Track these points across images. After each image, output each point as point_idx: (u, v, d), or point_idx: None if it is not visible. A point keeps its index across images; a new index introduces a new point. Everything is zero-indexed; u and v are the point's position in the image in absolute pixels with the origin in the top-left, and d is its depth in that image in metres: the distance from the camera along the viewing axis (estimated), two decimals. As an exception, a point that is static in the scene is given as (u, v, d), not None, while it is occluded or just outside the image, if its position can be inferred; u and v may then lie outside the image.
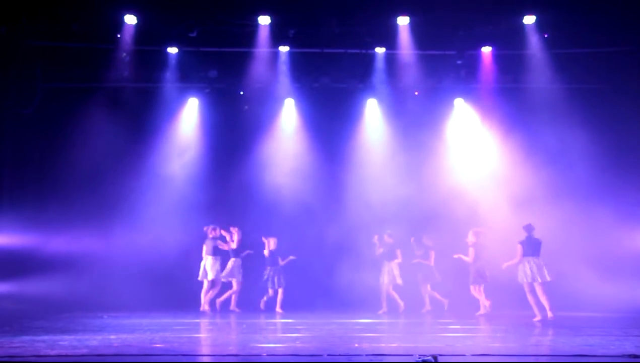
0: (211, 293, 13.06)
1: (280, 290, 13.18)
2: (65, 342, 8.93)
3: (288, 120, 15.08)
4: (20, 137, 13.78)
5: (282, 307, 13.15)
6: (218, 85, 14.52)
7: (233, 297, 13.24)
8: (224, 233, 13.15)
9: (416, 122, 14.24)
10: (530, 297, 11.67)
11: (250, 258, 13.38)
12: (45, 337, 9.36)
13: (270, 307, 13.31)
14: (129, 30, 13.20)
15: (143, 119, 14.40)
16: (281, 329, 10.71)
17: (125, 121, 14.19)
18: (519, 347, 8.81)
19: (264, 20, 13.19)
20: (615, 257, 13.21)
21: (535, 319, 11.56)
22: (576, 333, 10.01)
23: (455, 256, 12.77)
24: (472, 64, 14.12)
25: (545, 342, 9.10)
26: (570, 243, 13.33)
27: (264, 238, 13.40)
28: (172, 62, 14.05)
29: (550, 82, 13.87)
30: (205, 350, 8.57)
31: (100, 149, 14.01)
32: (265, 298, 13.31)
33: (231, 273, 13.10)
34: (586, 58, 13.69)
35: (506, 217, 13.42)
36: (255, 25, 13.32)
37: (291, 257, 13.24)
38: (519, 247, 11.66)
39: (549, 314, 11.47)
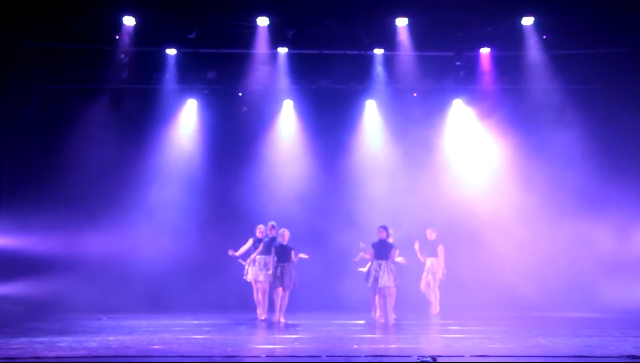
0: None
1: (286, 293, 11.60)
2: (64, 344, 8.93)
3: (287, 122, 15.07)
4: (19, 138, 13.76)
5: (285, 313, 11.73)
6: (217, 87, 14.51)
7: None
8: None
9: (415, 123, 14.23)
10: (433, 294, 12.53)
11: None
12: (44, 339, 9.36)
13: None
14: (128, 32, 13.18)
15: (142, 120, 14.40)
16: (280, 330, 10.70)
17: (124, 122, 14.21)
18: (518, 347, 8.80)
19: (263, 21, 13.18)
20: (615, 257, 13.22)
21: (435, 312, 12.50)
22: (575, 334, 10.01)
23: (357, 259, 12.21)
24: (471, 65, 14.12)
25: (544, 343, 9.09)
26: (569, 244, 13.34)
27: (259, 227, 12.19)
28: (171, 63, 14.03)
29: (549, 83, 13.88)
30: (203, 351, 8.55)
31: (99, 151, 14.00)
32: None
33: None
34: (584, 59, 13.70)
35: (505, 219, 13.43)
36: (253, 27, 13.31)
37: (302, 255, 11.71)
38: (442, 248, 12.45)
39: (438, 309, 12.55)
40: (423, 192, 14.03)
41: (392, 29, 13.36)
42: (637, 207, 13.40)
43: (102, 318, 11.99)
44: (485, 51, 13.97)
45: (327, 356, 7.93)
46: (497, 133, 14.42)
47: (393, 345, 8.97)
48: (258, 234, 12.11)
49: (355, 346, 8.81)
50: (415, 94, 14.55)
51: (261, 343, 9.20)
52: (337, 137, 14.77)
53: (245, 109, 14.74)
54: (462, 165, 14.66)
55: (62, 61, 13.74)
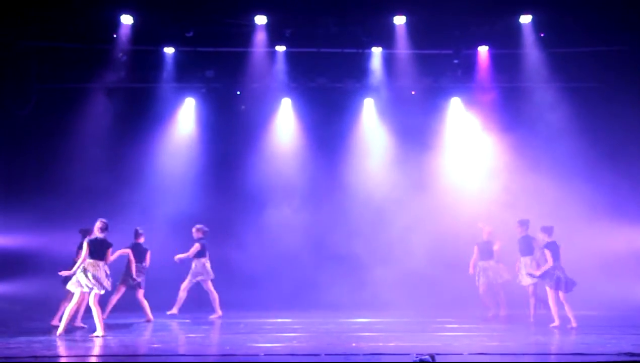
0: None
1: None
2: (63, 343, 8.93)
3: (285, 120, 15.07)
4: (16, 137, 13.74)
5: None
6: (215, 85, 14.49)
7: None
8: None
9: (413, 121, 14.23)
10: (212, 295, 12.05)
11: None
12: (42, 338, 9.35)
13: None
14: (125, 31, 13.17)
15: (139, 119, 14.37)
16: (279, 329, 10.70)
17: (121, 121, 14.18)
18: (517, 345, 8.82)
19: (261, 20, 13.18)
20: (612, 255, 13.23)
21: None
22: (573, 331, 10.03)
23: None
24: (469, 63, 14.13)
25: (543, 341, 9.11)
26: (566, 241, 13.34)
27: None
28: (169, 62, 14.02)
29: (546, 81, 13.90)
30: (202, 350, 8.55)
31: (96, 149, 13.98)
32: None
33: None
34: (582, 57, 13.72)
35: (503, 218, 13.41)
36: (251, 25, 13.31)
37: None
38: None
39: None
40: (421, 190, 14.02)
41: (390, 27, 13.36)
42: (634, 204, 13.41)
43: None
44: (483, 49, 13.98)
45: (325, 354, 7.94)
46: (494, 130, 14.42)
47: (391, 343, 8.97)
48: None
49: (354, 344, 8.82)
50: (413, 92, 14.55)
51: (260, 341, 9.19)
52: (335, 135, 14.76)
53: (243, 107, 14.73)
54: (461, 163, 14.66)
55: (60, 60, 13.72)
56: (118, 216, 13.90)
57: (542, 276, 10.75)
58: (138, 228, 12.01)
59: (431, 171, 14.32)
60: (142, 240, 11.97)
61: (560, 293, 10.54)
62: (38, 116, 13.96)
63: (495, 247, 12.28)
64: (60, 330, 9.70)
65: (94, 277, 9.70)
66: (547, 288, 10.71)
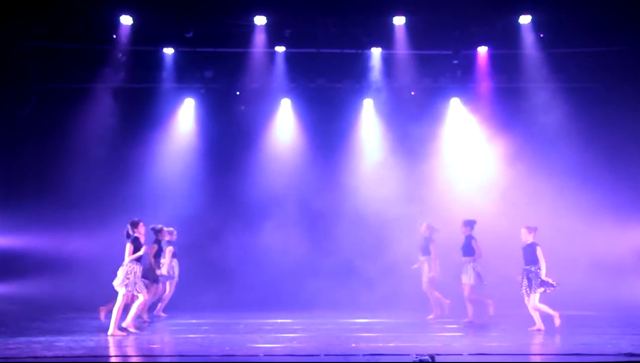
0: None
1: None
2: (62, 343, 8.93)
3: (284, 121, 15.08)
4: (16, 138, 13.75)
5: None
6: (214, 86, 14.51)
7: None
8: None
9: (412, 121, 14.25)
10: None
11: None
12: (42, 338, 9.36)
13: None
14: (125, 31, 13.19)
15: (139, 119, 14.38)
16: (278, 329, 10.71)
17: (121, 122, 14.19)
18: (515, 346, 8.83)
19: (260, 20, 13.19)
20: (610, 255, 13.23)
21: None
22: (572, 332, 10.03)
23: None
24: (468, 64, 14.15)
25: (542, 341, 9.12)
26: (565, 241, 13.36)
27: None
28: (168, 62, 14.04)
29: (545, 81, 13.92)
30: (202, 350, 8.56)
31: (96, 150, 13.99)
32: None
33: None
34: (581, 57, 13.75)
35: (501, 217, 13.43)
36: (251, 26, 13.33)
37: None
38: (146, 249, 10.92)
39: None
40: (420, 191, 14.03)
41: (390, 28, 13.38)
42: (633, 203, 13.43)
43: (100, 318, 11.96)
44: (482, 50, 14.00)
45: (325, 355, 7.95)
46: (494, 131, 14.43)
47: (391, 343, 8.98)
48: None
49: (353, 345, 8.83)
50: (412, 93, 14.56)
51: (259, 342, 9.20)
52: (334, 135, 14.78)
53: (242, 107, 14.74)
54: (460, 163, 14.67)
55: (59, 60, 13.74)
56: (117, 216, 13.96)
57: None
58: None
59: (430, 172, 14.33)
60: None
61: (531, 296, 10.31)
62: (38, 116, 13.98)
63: (431, 243, 11.99)
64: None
65: None
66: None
